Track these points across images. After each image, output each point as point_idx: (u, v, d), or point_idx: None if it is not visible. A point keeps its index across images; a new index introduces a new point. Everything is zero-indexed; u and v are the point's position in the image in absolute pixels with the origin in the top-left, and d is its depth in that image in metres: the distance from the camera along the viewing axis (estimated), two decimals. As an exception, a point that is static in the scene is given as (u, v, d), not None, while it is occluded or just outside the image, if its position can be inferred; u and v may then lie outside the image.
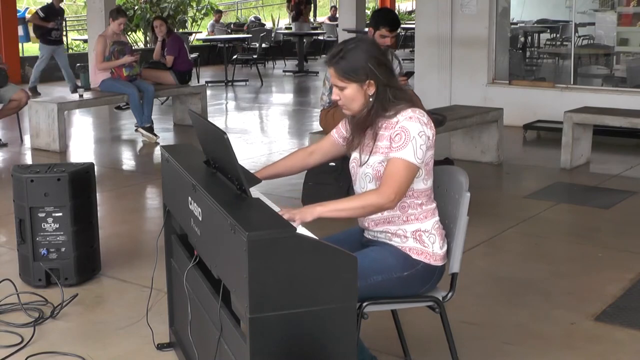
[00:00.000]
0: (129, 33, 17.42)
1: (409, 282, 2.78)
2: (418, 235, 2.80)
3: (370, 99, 2.77)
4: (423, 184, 2.81)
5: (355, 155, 2.89)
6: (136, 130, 8.93)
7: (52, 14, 12.49)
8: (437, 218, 2.86)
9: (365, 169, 2.81)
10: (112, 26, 8.91)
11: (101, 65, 8.72)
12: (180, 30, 17.63)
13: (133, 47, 9.23)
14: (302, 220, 2.59)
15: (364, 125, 2.81)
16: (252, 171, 2.98)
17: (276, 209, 2.63)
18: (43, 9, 12.74)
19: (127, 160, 8.34)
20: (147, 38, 17.73)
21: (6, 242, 5.07)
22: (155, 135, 8.73)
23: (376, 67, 2.74)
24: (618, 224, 5.52)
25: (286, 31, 19.99)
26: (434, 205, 2.87)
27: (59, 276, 4.17)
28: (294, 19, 19.57)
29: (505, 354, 3.48)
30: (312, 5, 28.43)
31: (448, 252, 2.88)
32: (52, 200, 4.15)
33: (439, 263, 2.82)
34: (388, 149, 2.73)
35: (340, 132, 3.01)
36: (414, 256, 2.78)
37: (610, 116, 7.12)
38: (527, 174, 7.24)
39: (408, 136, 2.69)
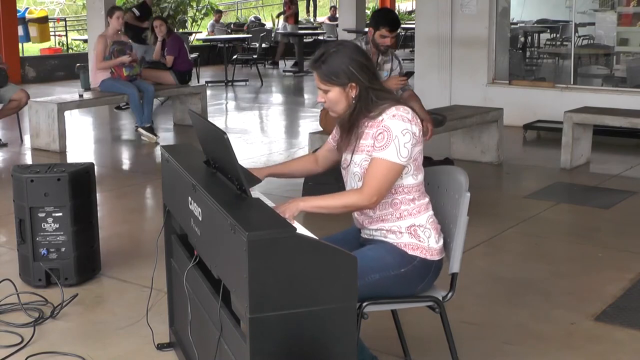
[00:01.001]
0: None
1: (407, 279, 2.78)
2: (413, 230, 2.80)
3: (353, 101, 2.80)
4: (413, 179, 2.81)
5: (344, 156, 2.91)
6: (136, 130, 8.93)
7: (147, 13, 11.74)
8: (430, 212, 2.86)
9: (353, 168, 2.84)
10: (112, 24, 8.90)
11: (100, 65, 8.72)
12: (180, 30, 17.63)
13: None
14: (292, 215, 2.64)
15: (348, 126, 2.84)
16: (252, 169, 2.99)
17: (271, 204, 2.64)
18: (138, 7, 11.85)
19: (127, 160, 8.34)
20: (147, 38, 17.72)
21: (6, 242, 5.07)
22: (156, 135, 8.73)
23: (358, 70, 2.77)
24: (618, 224, 5.52)
25: (285, 31, 19.98)
26: (427, 199, 2.88)
27: (59, 276, 4.17)
28: (285, 19, 19.46)
29: (505, 354, 3.48)
30: (313, 5, 28.47)
31: (448, 252, 2.89)
32: (52, 200, 4.15)
33: (436, 257, 2.82)
34: (372, 148, 2.75)
35: (334, 136, 3.03)
36: (410, 252, 2.79)
37: (610, 116, 7.12)
38: (527, 174, 7.24)
39: (390, 135, 2.71)
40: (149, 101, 8.81)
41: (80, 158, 7.38)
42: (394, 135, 2.71)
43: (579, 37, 11.50)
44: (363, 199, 2.71)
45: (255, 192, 2.78)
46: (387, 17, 5.56)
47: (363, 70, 2.78)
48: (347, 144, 2.86)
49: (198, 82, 13.72)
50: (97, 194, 4.46)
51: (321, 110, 5.90)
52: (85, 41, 16.42)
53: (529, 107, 9.11)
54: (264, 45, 16.37)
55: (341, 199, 2.77)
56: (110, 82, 8.76)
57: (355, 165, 2.82)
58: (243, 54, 15.86)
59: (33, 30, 18.28)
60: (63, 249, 4.19)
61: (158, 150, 8.16)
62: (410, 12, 27.43)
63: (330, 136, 3.07)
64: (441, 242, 2.86)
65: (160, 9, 17.88)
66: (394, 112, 2.75)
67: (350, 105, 2.81)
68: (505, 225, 5.41)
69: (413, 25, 13.67)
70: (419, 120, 2.78)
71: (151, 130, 8.77)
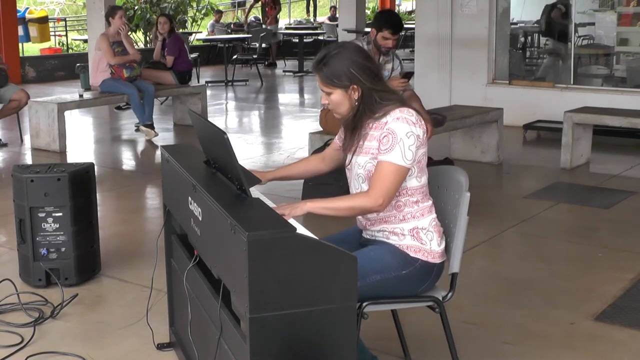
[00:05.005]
0: (130, 33, 17.40)
1: (408, 281, 2.78)
2: (415, 232, 2.80)
3: (356, 103, 2.80)
4: (417, 181, 2.81)
5: (348, 157, 2.91)
6: (136, 130, 8.93)
7: None
8: (434, 215, 2.86)
9: (357, 170, 2.83)
10: (115, 23, 8.87)
11: (114, 60, 8.69)
12: (180, 30, 17.61)
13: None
14: (292, 215, 2.64)
15: (352, 127, 2.84)
16: (254, 171, 2.99)
17: (272, 205, 2.65)
18: None
19: (127, 160, 8.34)
20: (148, 38, 17.72)
21: (6, 242, 5.07)
22: (155, 133, 8.73)
23: (359, 72, 2.76)
24: (618, 224, 5.52)
25: (286, 31, 19.99)
26: (430, 202, 2.88)
27: (59, 276, 4.17)
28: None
29: (505, 354, 3.48)
30: (313, 5, 28.44)
31: (448, 252, 2.88)
32: (52, 200, 4.15)
33: (437, 260, 2.82)
34: (377, 150, 2.75)
35: (340, 136, 3.03)
36: (412, 254, 2.79)
37: (610, 116, 7.12)
38: (527, 174, 7.24)
39: (395, 138, 2.70)
40: (149, 101, 8.81)
41: (80, 158, 7.38)
42: (398, 138, 2.70)
43: (579, 37, 11.49)
44: (371, 202, 2.70)
45: (255, 192, 2.78)
46: (390, 20, 5.57)
47: (365, 72, 2.77)
48: (351, 144, 2.86)
49: (198, 82, 13.71)
50: (97, 194, 4.46)
51: (321, 111, 5.90)
52: (85, 41, 16.41)
53: (529, 107, 9.11)
54: (264, 45, 16.36)
55: (349, 201, 2.77)
56: (110, 82, 8.75)
57: (360, 167, 2.82)
58: (243, 54, 15.85)
59: (33, 30, 18.27)
60: (63, 249, 4.19)
61: (158, 150, 8.16)
62: (410, 12, 27.42)
63: (337, 136, 3.07)
64: (443, 245, 2.85)
65: (160, 9, 17.87)
66: (398, 114, 2.74)
67: (353, 107, 2.81)
68: (505, 225, 5.41)
69: (413, 25, 13.66)
70: (423, 123, 2.78)
71: (151, 127, 8.77)
